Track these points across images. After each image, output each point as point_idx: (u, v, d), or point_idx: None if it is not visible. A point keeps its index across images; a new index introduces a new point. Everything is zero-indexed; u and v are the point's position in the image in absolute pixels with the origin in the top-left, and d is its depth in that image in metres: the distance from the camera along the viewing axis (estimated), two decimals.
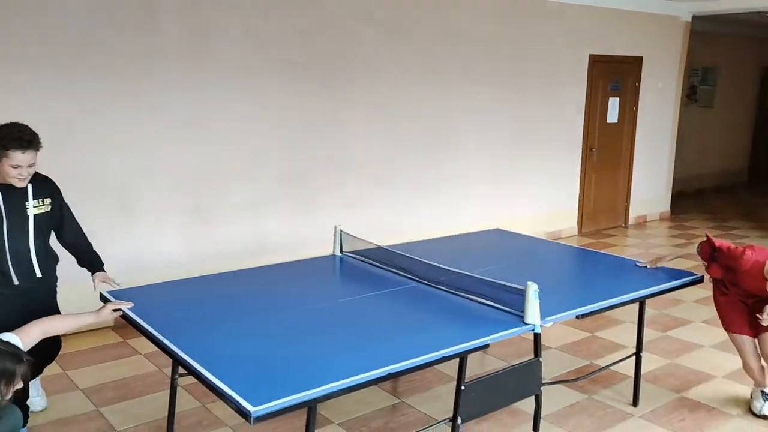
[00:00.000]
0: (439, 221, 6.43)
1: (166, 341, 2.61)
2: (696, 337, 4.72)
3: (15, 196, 2.98)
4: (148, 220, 4.90)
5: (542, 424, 3.32)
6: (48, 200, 3.11)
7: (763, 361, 3.54)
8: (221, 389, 2.21)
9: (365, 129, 5.97)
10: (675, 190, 9.57)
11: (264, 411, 2.06)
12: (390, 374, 2.38)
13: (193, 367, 2.39)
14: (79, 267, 3.37)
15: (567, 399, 3.74)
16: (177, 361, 2.56)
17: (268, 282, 3.50)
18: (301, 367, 2.37)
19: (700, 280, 3.65)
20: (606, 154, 7.97)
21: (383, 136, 6.10)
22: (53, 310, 3.24)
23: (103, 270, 3.32)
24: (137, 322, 2.83)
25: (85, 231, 3.37)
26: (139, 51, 4.69)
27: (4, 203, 2.97)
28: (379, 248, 3.75)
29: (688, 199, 10.31)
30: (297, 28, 5.41)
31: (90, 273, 3.31)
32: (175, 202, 5.03)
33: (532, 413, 3.27)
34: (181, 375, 3.22)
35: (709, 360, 4.32)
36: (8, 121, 2.88)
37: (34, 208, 3.04)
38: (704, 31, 9.67)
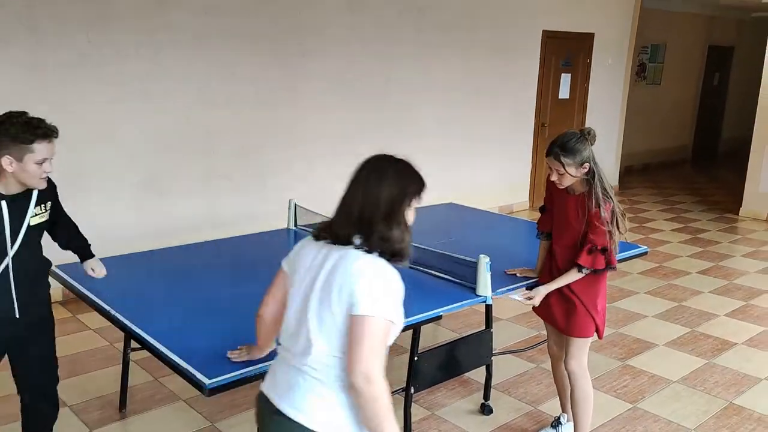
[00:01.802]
0: None
1: (118, 315, 2.59)
2: (640, 307, 4.91)
3: (19, 205, 2.34)
4: (99, 193, 4.78)
5: (493, 392, 3.43)
6: (48, 204, 2.46)
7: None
8: (175, 362, 2.21)
9: (320, 102, 5.92)
10: (623, 165, 9.84)
11: (218, 383, 2.07)
12: None
13: (147, 340, 2.38)
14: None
15: (517, 368, 3.86)
16: (130, 335, 2.54)
17: (221, 256, 3.48)
18: (253, 341, 2.37)
19: (645, 253, 3.79)
20: (558, 129, 8.09)
21: (338, 109, 6.06)
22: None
23: (93, 255, 2.77)
24: (88, 296, 2.78)
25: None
26: (91, 18, 4.52)
27: (10, 220, 2.31)
28: None
29: (636, 174, 10.62)
30: None
31: (79, 259, 2.77)
32: (128, 175, 4.92)
33: (484, 382, 3.37)
34: (134, 349, 3.20)
35: (652, 329, 4.51)
36: (5, 112, 2.27)
37: (33, 217, 2.38)
38: (653, 9, 9.88)
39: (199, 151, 5.26)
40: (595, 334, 2.83)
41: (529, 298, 2.79)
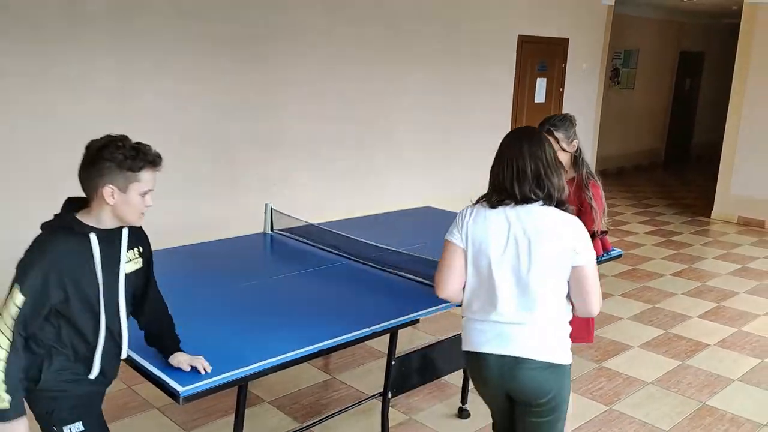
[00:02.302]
0: (370, 200, 6.44)
1: None
2: (615, 309, 4.95)
3: (111, 247, 1.98)
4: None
5: (470, 396, 3.42)
6: (140, 249, 2.10)
7: None
8: (148, 370, 2.16)
9: (297, 107, 5.89)
10: (598, 169, 9.95)
11: (193, 390, 2.03)
12: (321, 351, 2.39)
13: None
14: None
15: None
16: None
17: (196, 260, 3.43)
18: (230, 346, 2.34)
19: (620, 256, 3.82)
20: None
21: (315, 114, 6.03)
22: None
23: (180, 349, 2.18)
24: None
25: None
26: (62, 25, 4.44)
27: (102, 258, 1.94)
28: (310, 225, 3.73)
29: (610, 178, 10.74)
30: (224, 2, 5.25)
31: (164, 355, 2.19)
32: None
33: (461, 386, 3.37)
34: None
35: (627, 331, 4.55)
36: (95, 139, 1.96)
37: (127, 263, 2.03)
38: (626, 15, 10.02)
39: (174, 155, 5.17)
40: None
41: None
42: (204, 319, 2.59)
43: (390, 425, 3.08)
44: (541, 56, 8.13)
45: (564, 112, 8.58)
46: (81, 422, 1.98)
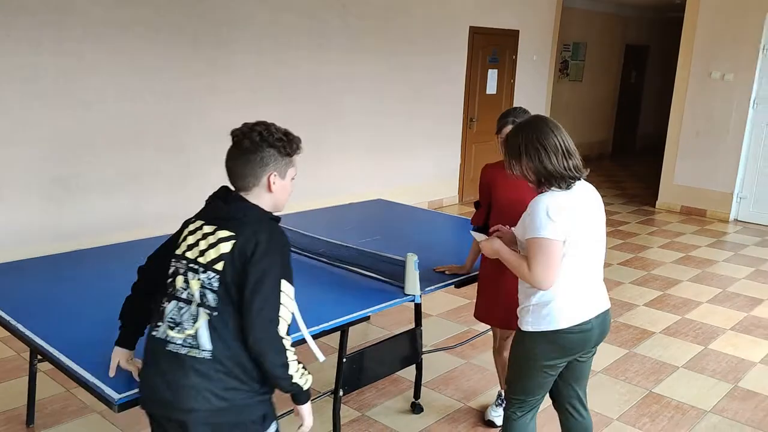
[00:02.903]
0: (322, 191, 6.36)
1: (19, 326, 2.38)
2: None
3: None
4: (10, 191, 4.46)
5: (423, 390, 3.40)
6: None
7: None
8: (81, 376, 2.05)
9: (246, 96, 5.74)
10: None
11: (130, 397, 1.93)
12: None
13: (50, 353, 2.20)
14: None
15: (447, 365, 3.85)
16: (34, 347, 2.35)
17: (140, 258, 3.28)
18: None
19: None
20: (486, 124, 8.21)
21: (264, 103, 5.90)
22: None
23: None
24: None
25: None
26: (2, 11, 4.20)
27: None
28: None
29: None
30: None
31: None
32: (42, 172, 4.62)
33: (414, 381, 3.34)
34: (41, 360, 2.98)
35: None
36: (246, 124, 1.91)
37: None
38: (574, 8, 10.15)
39: (121, 147, 5.00)
40: None
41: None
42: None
43: (342, 422, 3.03)
44: (493, 47, 8.15)
45: (515, 103, 8.65)
46: (274, 422, 1.94)
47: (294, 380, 1.80)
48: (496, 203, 2.89)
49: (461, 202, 8.18)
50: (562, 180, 2.23)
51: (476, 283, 3.06)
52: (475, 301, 3.07)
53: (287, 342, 1.78)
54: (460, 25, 7.64)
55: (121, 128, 4.98)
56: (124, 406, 1.93)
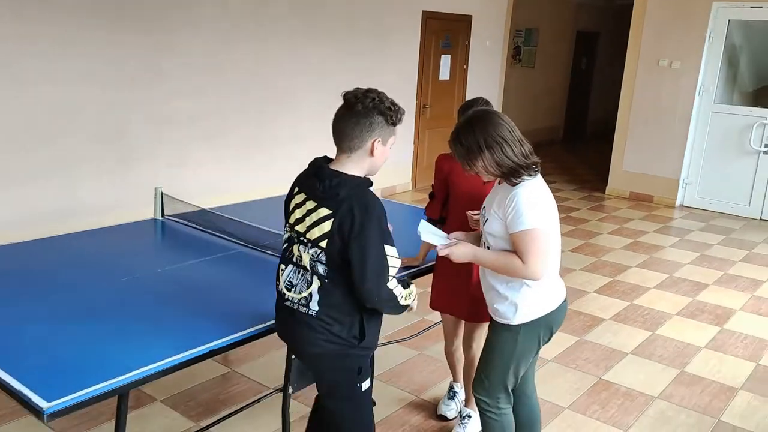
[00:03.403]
0: (273, 179, 6.20)
1: None
2: None
3: None
4: None
5: (376, 383, 3.32)
6: None
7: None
8: (6, 383, 1.90)
9: (191, 81, 5.53)
10: None
11: (59, 406, 1.81)
12: (212, 351, 2.21)
13: None
14: None
15: (400, 356, 3.80)
16: None
17: (76, 251, 3.12)
18: (106, 351, 2.11)
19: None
20: (439, 110, 8.17)
21: (211, 89, 5.70)
22: None
23: None
24: None
25: None
26: None
27: None
28: (202, 211, 3.49)
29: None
30: None
31: None
32: None
33: None
34: None
35: None
36: (358, 90, 2.07)
37: None
38: None
39: (54, 133, 4.74)
40: None
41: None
42: (79, 320, 2.33)
43: (292, 419, 2.94)
44: (445, 32, 8.09)
45: (468, 89, 8.63)
46: (369, 378, 2.22)
47: (403, 304, 2.10)
48: (454, 194, 2.83)
49: (414, 189, 8.14)
50: (528, 168, 2.23)
51: (430, 274, 3.01)
52: (430, 290, 3.01)
53: (393, 284, 2.03)
54: (412, 10, 7.54)
55: (53, 113, 4.71)
56: (54, 415, 1.80)
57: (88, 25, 4.78)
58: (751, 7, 7.23)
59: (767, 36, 7.43)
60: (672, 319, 4.56)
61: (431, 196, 3.00)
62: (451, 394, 3.24)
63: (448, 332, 3.11)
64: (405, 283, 2.12)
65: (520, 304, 2.33)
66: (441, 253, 2.34)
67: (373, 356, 3.06)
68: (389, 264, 1.99)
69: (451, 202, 2.85)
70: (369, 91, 2.04)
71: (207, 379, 3.43)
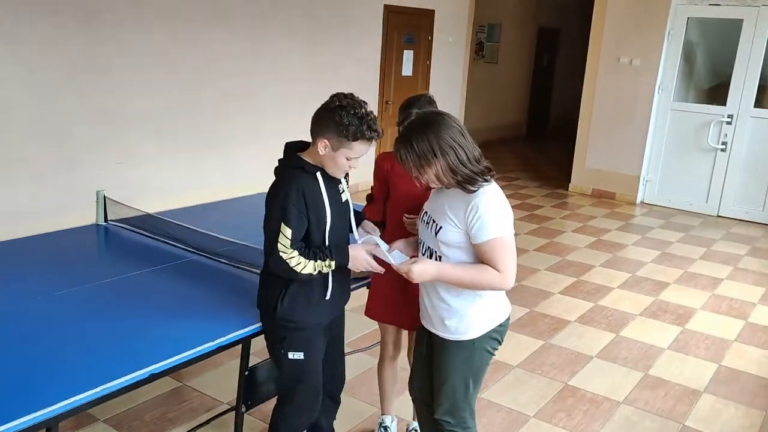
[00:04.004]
0: (229, 178, 6.00)
1: None
2: None
3: (332, 181, 2.28)
4: None
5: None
6: (347, 181, 2.43)
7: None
8: None
9: (140, 76, 5.27)
10: None
11: None
12: (152, 375, 2.03)
13: None
14: None
15: (359, 366, 3.66)
16: None
17: (4, 262, 2.88)
18: (33, 378, 1.92)
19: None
20: None
21: (163, 85, 5.45)
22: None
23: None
24: None
25: None
26: None
27: (326, 192, 2.23)
28: (148, 215, 3.29)
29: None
30: None
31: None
32: None
33: None
34: None
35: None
36: (343, 93, 2.16)
37: (346, 191, 2.38)
38: None
39: None
40: None
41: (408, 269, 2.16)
42: (5, 341, 2.13)
43: None
44: (408, 27, 7.96)
45: (431, 85, 8.52)
46: (303, 353, 2.32)
47: (306, 271, 2.17)
48: (395, 197, 2.63)
49: None
50: (483, 174, 2.11)
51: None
52: (368, 297, 2.81)
53: (289, 255, 2.14)
54: (374, 4, 7.38)
55: None
56: None
57: (24, 16, 4.49)
58: (710, 5, 7.28)
59: (723, 33, 7.50)
60: (635, 319, 4.53)
61: (369, 198, 2.79)
62: (382, 429, 2.98)
63: (387, 346, 2.85)
64: (323, 254, 2.19)
65: (473, 316, 2.20)
66: (400, 271, 2.15)
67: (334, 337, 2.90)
68: (279, 240, 2.12)
69: (391, 205, 2.65)
70: (349, 97, 2.14)
71: (155, 395, 3.24)
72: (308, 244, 2.21)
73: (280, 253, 2.14)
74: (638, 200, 7.97)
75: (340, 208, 2.30)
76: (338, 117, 2.07)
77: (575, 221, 7.02)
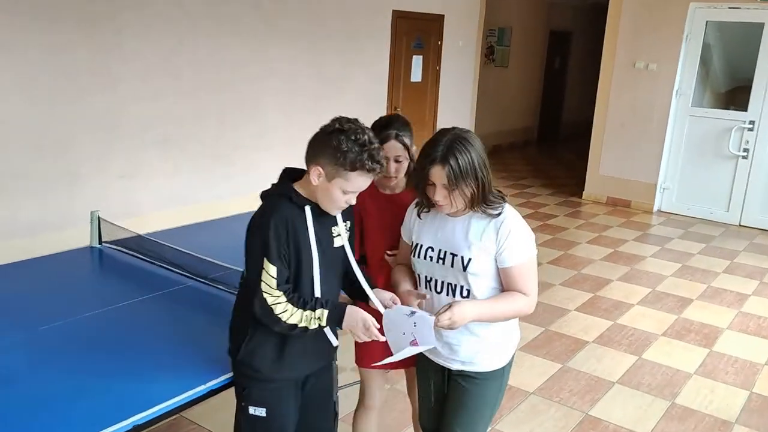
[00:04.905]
0: (236, 190, 5.83)
1: None
2: None
3: (325, 220, 1.97)
4: None
5: (341, 427, 3.00)
6: (349, 223, 2.08)
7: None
8: None
9: (144, 86, 5.12)
10: None
11: None
12: (136, 427, 1.85)
13: None
14: None
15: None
16: None
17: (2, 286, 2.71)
18: (10, 424, 1.74)
19: None
20: (411, 113, 7.83)
21: (168, 94, 5.30)
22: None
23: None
24: None
25: None
26: None
27: (315, 231, 1.92)
28: (140, 237, 3.11)
29: (488, 157, 10.69)
30: None
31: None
32: None
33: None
34: None
35: None
36: (346, 117, 1.91)
37: (342, 235, 2.03)
38: None
39: None
40: None
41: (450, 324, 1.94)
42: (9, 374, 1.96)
43: None
44: (417, 32, 7.77)
45: (441, 91, 8.32)
46: (265, 409, 2.01)
47: (291, 321, 1.87)
48: (370, 231, 2.35)
49: None
50: (497, 196, 2.03)
51: None
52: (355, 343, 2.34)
53: (275, 300, 1.86)
54: (382, 9, 7.20)
55: None
56: None
57: (25, 25, 4.34)
58: (729, 8, 7.04)
59: (742, 36, 7.26)
60: (658, 340, 4.30)
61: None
62: None
63: (372, 393, 2.52)
64: (313, 305, 1.90)
65: (503, 344, 2.10)
66: (440, 326, 1.90)
67: (335, 403, 2.72)
68: (262, 278, 1.85)
69: (367, 241, 2.36)
70: (352, 121, 1.89)
71: (153, 427, 3.05)
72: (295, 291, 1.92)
73: (264, 295, 1.85)
74: (655, 209, 7.73)
75: (331, 255, 1.98)
76: (336, 142, 1.82)
77: (590, 231, 6.80)
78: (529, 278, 2.01)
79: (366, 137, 1.84)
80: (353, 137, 1.82)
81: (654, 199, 7.70)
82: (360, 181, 1.86)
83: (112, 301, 2.60)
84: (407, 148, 2.28)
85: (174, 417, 3.13)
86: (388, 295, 2.03)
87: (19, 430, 1.75)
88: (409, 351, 1.94)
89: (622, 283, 5.33)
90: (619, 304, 4.89)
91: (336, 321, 1.92)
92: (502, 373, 2.14)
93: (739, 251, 6.32)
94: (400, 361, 2.08)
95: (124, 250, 3.14)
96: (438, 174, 1.92)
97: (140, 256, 3.06)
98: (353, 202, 1.92)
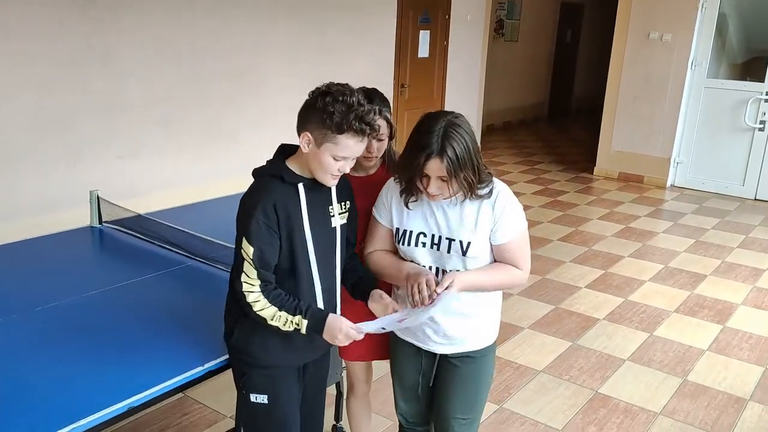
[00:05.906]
0: (238, 169, 5.75)
1: None
2: None
3: (319, 199, 1.90)
4: None
5: (343, 413, 2.97)
6: (348, 203, 2.01)
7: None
8: None
9: (144, 63, 5.03)
10: (485, 124, 9.72)
11: None
12: (131, 409, 1.81)
13: None
14: None
15: (376, 371, 3.42)
16: None
17: (18, 263, 2.68)
18: (5, 409, 1.71)
19: None
20: (418, 90, 7.72)
21: (169, 72, 5.21)
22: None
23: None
24: None
25: None
26: None
27: (309, 210, 1.86)
28: (140, 216, 3.06)
29: (497, 133, 10.58)
30: None
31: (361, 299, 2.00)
32: None
33: (334, 402, 2.91)
34: None
35: (515, 311, 4.27)
36: (335, 83, 1.81)
37: (339, 215, 1.95)
38: None
39: None
40: None
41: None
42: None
43: None
44: (423, 6, 7.61)
45: (449, 66, 8.16)
46: (267, 395, 1.95)
47: (261, 315, 1.80)
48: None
49: None
50: (486, 171, 1.94)
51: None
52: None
53: (249, 289, 1.80)
54: None
55: None
56: None
57: (20, 5, 4.26)
58: None
59: (758, 5, 7.05)
60: (670, 317, 4.22)
61: None
62: None
63: (359, 383, 2.50)
64: (293, 309, 1.81)
65: (494, 318, 2.09)
66: (445, 291, 1.83)
67: (339, 382, 2.69)
68: (243, 259, 1.80)
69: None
70: (341, 84, 1.80)
71: (156, 407, 3.03)
72: (294, 286, 1.85)
73: (242, 278, 1.80)
74: (668, 184, 7.59)
75: (326, 235, 1.89)
76: (322, 104, 1.73)
77: (601, 207, 6.69)
78: (522, 251, 1.98)
79: (354, 99, 1.74)
80: (340, 98, 1.73)
81: (667, 173, 7.56)
82: (350, 145, 1.76)
83: (112, 281, 2.56)
84: (391, 125, 2.17)
85: (179, 396, 3.12)
86: (387, 300, 1.90)
87: (15, 411, 1.71)
88: (392, 326, 1.88)
89: (634, 259, 5.24)
90: (630, 280, 4.80)
91: (316, 331, 1.82)
92: (494, 347, 2.12)
93: (755, 225, 6.19)
94: (383, 351, 2.23)
95: (124, 229, 3.09)
96: (436, 167, 1.81)
97: (140, 235, 3.02)
98: (347, 169, 1.82)
